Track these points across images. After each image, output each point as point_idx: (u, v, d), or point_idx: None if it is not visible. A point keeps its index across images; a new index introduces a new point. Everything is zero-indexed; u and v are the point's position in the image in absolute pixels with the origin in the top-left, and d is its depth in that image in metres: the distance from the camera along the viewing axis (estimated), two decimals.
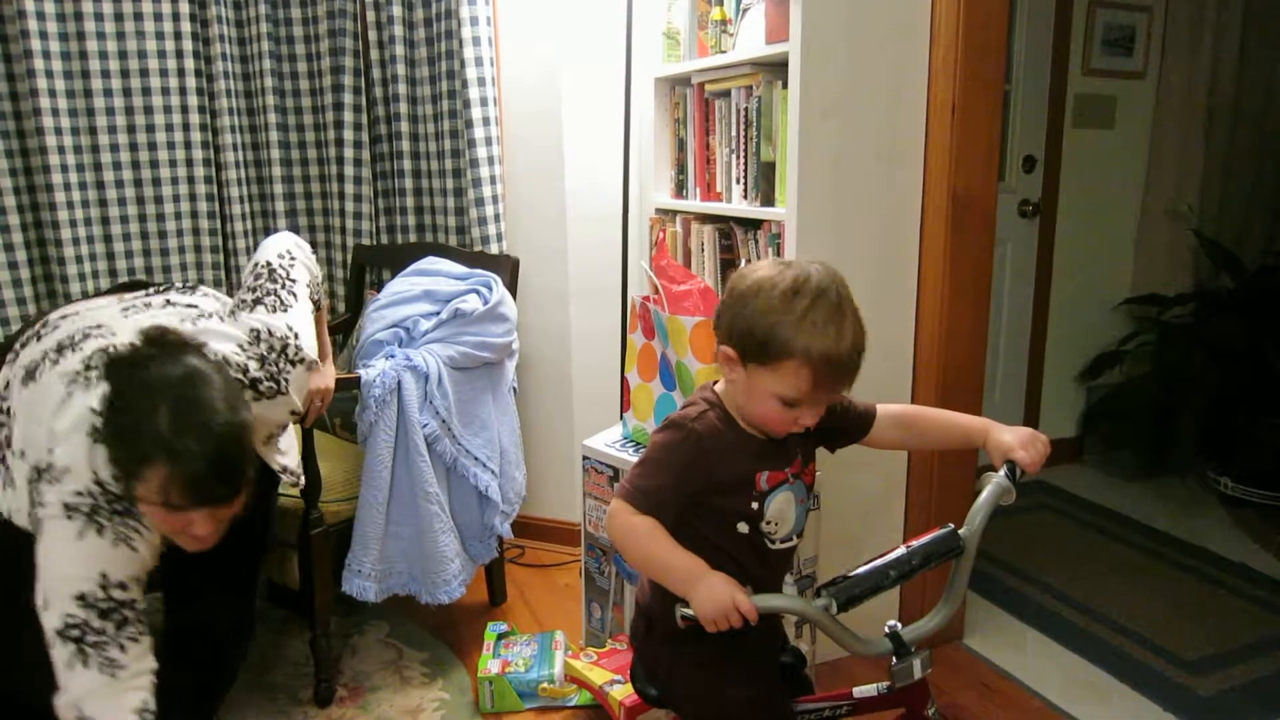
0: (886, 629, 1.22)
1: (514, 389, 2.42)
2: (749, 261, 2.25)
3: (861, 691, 1.32)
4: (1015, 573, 2.78)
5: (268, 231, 2.80)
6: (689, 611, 1.10)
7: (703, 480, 1.21)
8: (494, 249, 2.68)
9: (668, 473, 1.19)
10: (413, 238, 2.82)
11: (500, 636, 2.24)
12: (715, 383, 1.31)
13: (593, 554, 2.19)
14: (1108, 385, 3.62)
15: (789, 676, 1.38)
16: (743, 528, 1.24)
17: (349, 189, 2.76)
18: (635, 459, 1.22)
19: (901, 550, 1.19)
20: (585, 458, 2.16)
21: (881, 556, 1.19)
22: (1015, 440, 1.24)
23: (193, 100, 2.57)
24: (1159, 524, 3.14)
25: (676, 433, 1.21)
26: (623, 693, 1.87)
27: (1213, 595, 2.67)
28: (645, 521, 1.16)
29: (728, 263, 2.37)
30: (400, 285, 2.40)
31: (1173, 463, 3.50)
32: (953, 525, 1.21)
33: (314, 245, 2.89)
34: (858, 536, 2.19)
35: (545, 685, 2.06)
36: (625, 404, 2.17)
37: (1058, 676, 2.23)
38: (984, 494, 1.23)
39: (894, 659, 1.21)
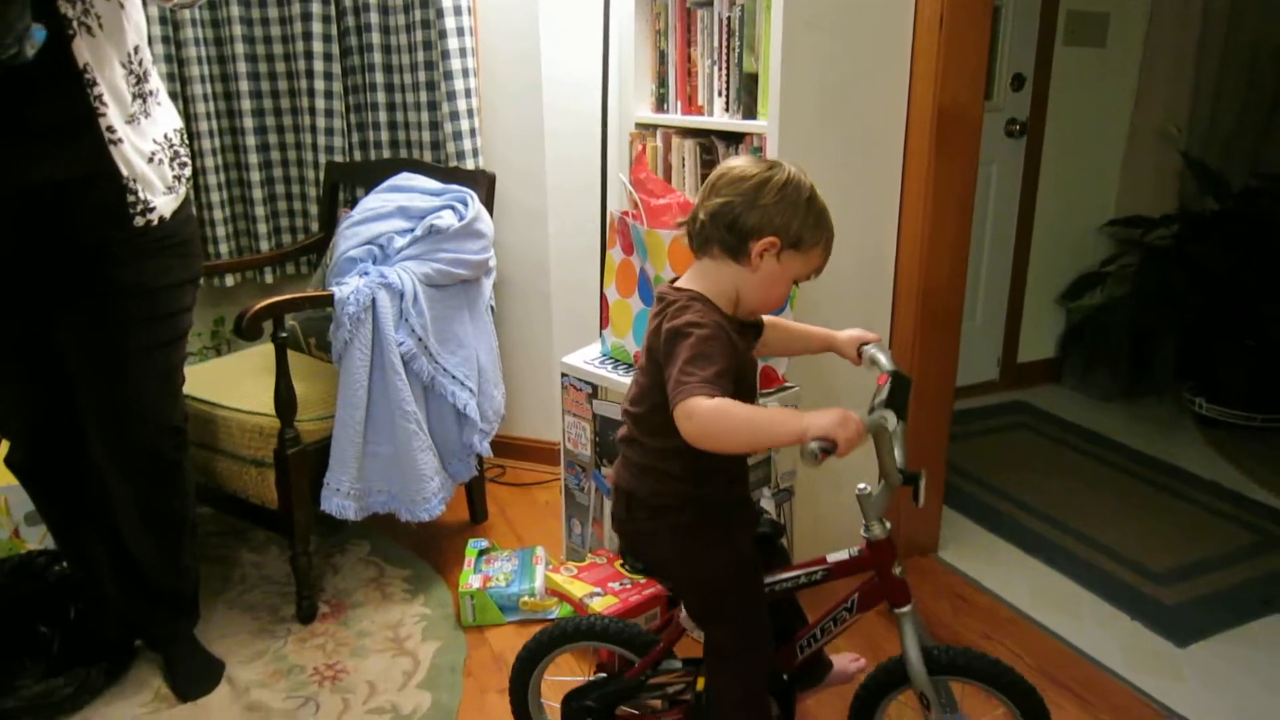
0: (859, 490, 1.35)
1: (491, 307, 2.39)
2: None
3: (834, 557, 1.41)
4: (990, 488, 2.82)
5: (236, 150, 2.73)
6: (821, 444, 1.11)
7: (733, 368, 1.24)
8: (470, 164, 2.62)
9: (720, 359, 1.21)
10: (386, 154, 2.75)
11: (481, 553, 2.25)
12: (675, 281, 1.35)
13: (572, 471, 2.20)
14: (1088, 306, 3.62)
15: (765, 547, 1.46)
16: None
17: (320, 104, 2.68)
18: (678, 360, 1.21)
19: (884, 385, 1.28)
20: (564, 375, 2.15)
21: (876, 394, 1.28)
22: (855, 331, 1.46)
23: (153, 10, 2.47)
24: (1134, 443, 3.18)
25: (706, 328, 1.23)
26: (603, 604, 1.90)
27: (1183, 511, 2.72)
28: (724, 400, 1.16)
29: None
30: (373, 202, 2.35)
31: (1150, 384, 3.54)
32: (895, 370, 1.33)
33: (284, 163, 2.82)
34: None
35: (526, 599, 2.09)
36: (604, 321, 2.15)
37: (1028, 587, 2.28)
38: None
39: (865, 523, 1.35)
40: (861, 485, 1.37)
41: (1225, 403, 3.28)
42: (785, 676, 1.49)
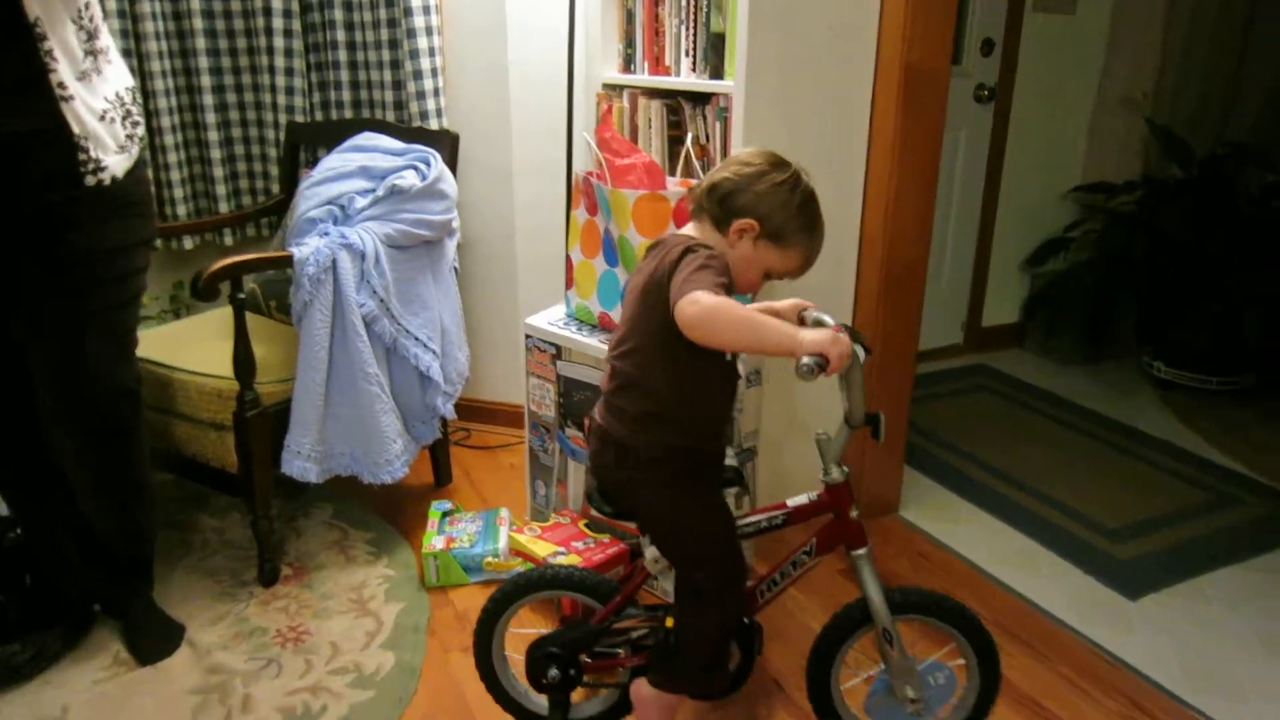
0: (818, 435, 1.44)
1: (455, 269, 2.38)
2: (696, 138, 2.20)
3: (794, 501, 1.48)
4: (952, 449, 2.85)
5: (194, 110, 2.67)
6: (816, 359, 1.18)
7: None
8: (433, 124, 2.58)
9: (724, 277, 1.29)
10: (348, 113, 2.71)
11: (445, 514, 2.25)
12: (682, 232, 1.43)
13: (536, 432, 2.19)
14: (1052, 272, 3.66)
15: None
16: (729, 355, 1.43)
17: (280, 63, 2.62)
18: (686, 268, 1.27)
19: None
20: (527, 336, 2.14)
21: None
22: (793, 300, 1.52)
23: None
24: (1093, 405, 3.23)
25: (714, 251, 1.33)
26: (566, 563, 1.90)
27: (1138, 470, 2.77)
28: (730, 300, 1.24)
29: (675, 139, 2.31)
30: (335, 161, 2.31)
31: (1110, 348, 3.58)
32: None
33: (244, 123, 2.76)
34: (795, 412, 2.21)
35: (490, 559, 2.09)
36: (569, 281, 2.14)
37: (987, 544, 2.32)
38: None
39: (824, 468, 1.43)
40: (820, 431, 1.42)
41: (1182, 366, 3.33)
42: (747, 620, 1.52)
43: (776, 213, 1.35)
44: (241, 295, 1.98)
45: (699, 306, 1.20)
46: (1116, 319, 3.45)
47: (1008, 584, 2.16)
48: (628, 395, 1.40)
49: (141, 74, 2.53)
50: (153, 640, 1.87)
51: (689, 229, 1.42)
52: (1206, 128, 3.70)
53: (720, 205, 1.36)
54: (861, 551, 1.44)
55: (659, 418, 1.38)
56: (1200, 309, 3.25)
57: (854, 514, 1.44)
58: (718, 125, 2.12)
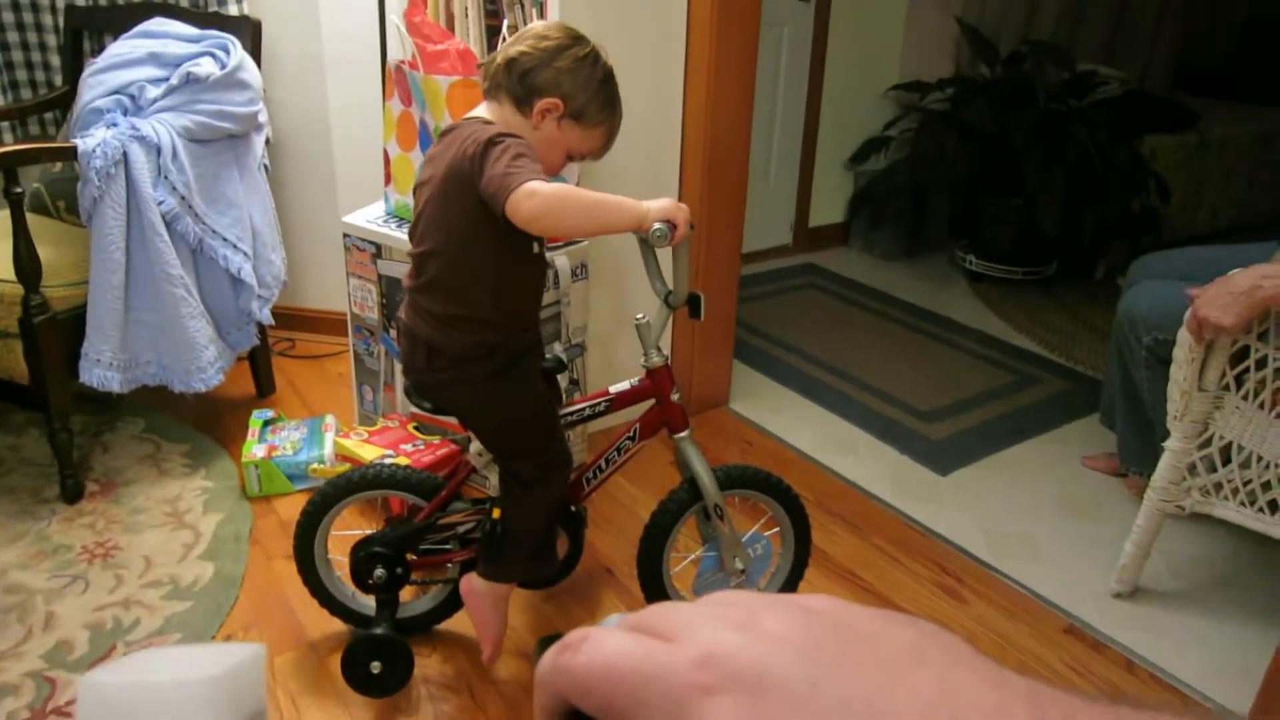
0: (637, 319, 1.45)
1: (265, 166, 2.23)
2: (513, 25, 2.12)
3: (616, 388, 1.51)
4: (779, 343, 2.96)
5: None
6: (666, 225, 1.23)
7: None
8: (232, 10, 2.38)
9: (539, 164, 1.25)
10: None
11: (267, 423, 2.16)
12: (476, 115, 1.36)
13: (360, 335, 2.12)
14: (873, 170, 3.77)
15: (547, 380, 1.54)
16: (536, 248, 1.39)
17: None
18: (499, 160, 1.21)
19: None
20: (346, 235, 2.05)
21: None
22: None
23: None
24: (911, 298, 3.40)
25: (520, 139, 1.26)
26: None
27: (951, 357, 2.96)
28: (567, 184, 1.24)
29: (493, 29, 2.22)
30: (121, 48, 2.11)
31: (927, 243, 3.76)
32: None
33: (15, 7, 2.45)
34: (623, 304, 2.23)
35: (315, 466, 2.03)
36: (386, 178, 2.05)
37: (811, 431, 2.44)
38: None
39: (644, 352, 1.46)
40: (640, 315, 1.43)
41: (991, 258, 3.55)
42: (574, 509, 1.54)
43: (580, 91, 1.30)
44: (18, 190, 1.81)
45: (538, 198, 1.16)
46: (932, 215, 3.61)
47: (829, 466, 2.28)
48: (432, 296, 1.35)
49: None
50: None
51: (482, 110, 1.35)
52: (1012, 28, 3.86)
53: (520, 82, 1.29)
54: (684, 434, 1.48)
55: (466, 318, 1.34)
56: (1004, 203, 3.45)
57: (675, 397, 1.47)
58: (534, 12, 2.05)
